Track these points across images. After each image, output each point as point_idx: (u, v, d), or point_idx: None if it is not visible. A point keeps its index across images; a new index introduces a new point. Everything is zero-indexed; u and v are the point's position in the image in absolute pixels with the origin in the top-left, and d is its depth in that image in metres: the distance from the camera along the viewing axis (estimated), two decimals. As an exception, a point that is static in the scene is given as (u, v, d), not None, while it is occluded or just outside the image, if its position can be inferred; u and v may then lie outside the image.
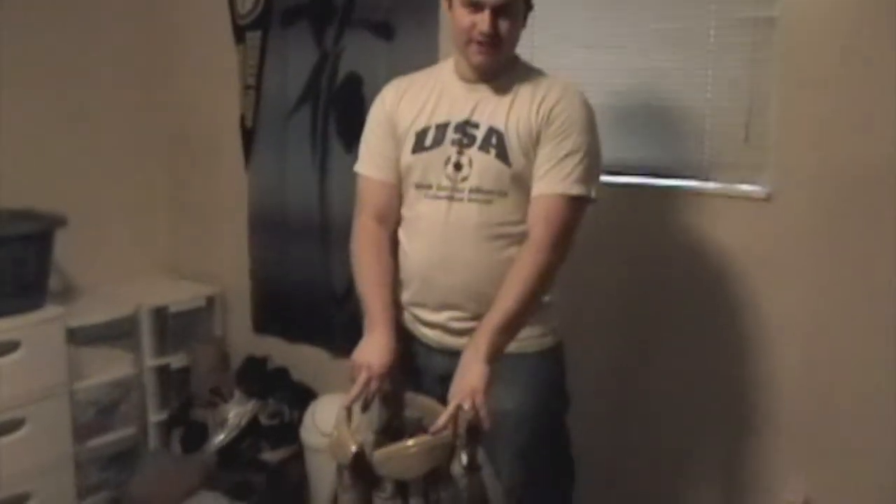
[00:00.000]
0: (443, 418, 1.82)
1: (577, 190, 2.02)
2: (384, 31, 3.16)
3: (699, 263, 2.63)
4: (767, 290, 2.54)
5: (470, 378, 1.86)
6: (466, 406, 1.81)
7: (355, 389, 1.96)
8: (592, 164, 2.06)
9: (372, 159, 2.22)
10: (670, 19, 2.62)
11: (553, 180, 2.02)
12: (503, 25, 2.02)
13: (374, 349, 2.02)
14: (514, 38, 2.09)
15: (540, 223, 2.02)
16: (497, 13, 2.00)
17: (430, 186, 2.10)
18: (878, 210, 2.34)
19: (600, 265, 2.75)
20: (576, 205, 2.04)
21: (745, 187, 2.54)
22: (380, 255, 2.16)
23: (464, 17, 2.03)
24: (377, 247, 2.16)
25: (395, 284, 2.17)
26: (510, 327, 1.96)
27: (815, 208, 2.43)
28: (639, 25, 2.68)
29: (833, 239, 2.41)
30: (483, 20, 2.00)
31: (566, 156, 2.02)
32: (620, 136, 2.69)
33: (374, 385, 1.98)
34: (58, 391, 3.21)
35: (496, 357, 1.92)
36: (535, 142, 2.04)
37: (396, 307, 2.18)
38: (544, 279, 2.01)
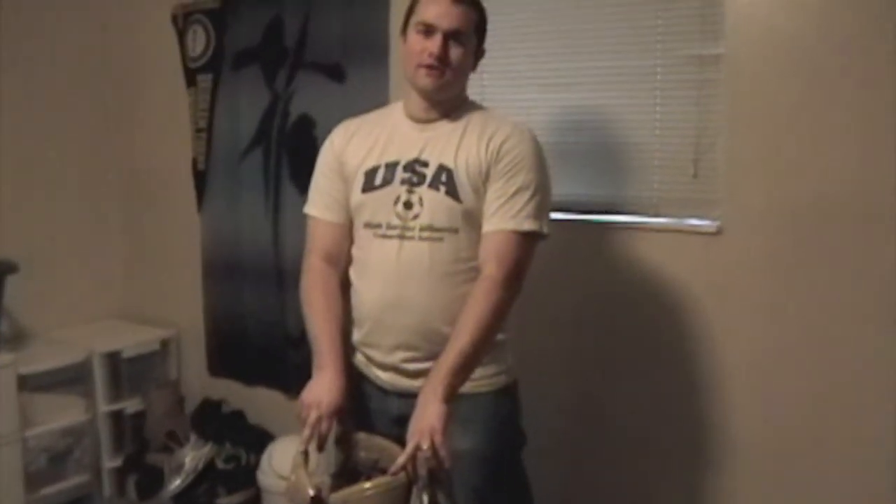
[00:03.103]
0: (402, 458, 1.81)
1: (528, 226, 2.02)
2: (336, 73, 3.18)
3: (651, 299, 2.66)
4: (719, 323, 2.57)
5: (428, 418, 1.84)
6: (425, 446, 1.80)
7: (307, 430, 1.94)
8: (543, 199, 2.07)
9: (321, 200, 2.22)
10: (617, 57, 2.67)
11: (504, 216, 2.03)
12: (453, 52, 2.05)
13: (322, 388, 2.00)
14: (462, 68, 2.11)
15: (492, 260, 2.01)
16: (448, 38, 2.04)
17: (379, 225, 2.10)
18: (826, 243, 2.38)
19: (553, 302, 2.78)
20: (528, 240, 2.04)
21: (695, 222, 2.58)
22: (328, 294, 2.14)
23: (416, 42, 2.07)
24: (326, 287, 2.15)
25: (346, 324, 2.16)
26: (466, 366, 1.94)
27: (764, 242, 2.47)
28: (587, 63, 2.72)
29: (783, 272, 2.45)
30: (434, 43, 2.04)
31: (517, 192, 2.03)
32: (570, 173, 2.72)
33: (324, 424, 1.96)
34: (9, 439, 3.17)
35: (453, 396, 1.90)
36: (484, 178, 2.05)
37: (348, 348, 2.17)
38: (498, 316, 2.00)
